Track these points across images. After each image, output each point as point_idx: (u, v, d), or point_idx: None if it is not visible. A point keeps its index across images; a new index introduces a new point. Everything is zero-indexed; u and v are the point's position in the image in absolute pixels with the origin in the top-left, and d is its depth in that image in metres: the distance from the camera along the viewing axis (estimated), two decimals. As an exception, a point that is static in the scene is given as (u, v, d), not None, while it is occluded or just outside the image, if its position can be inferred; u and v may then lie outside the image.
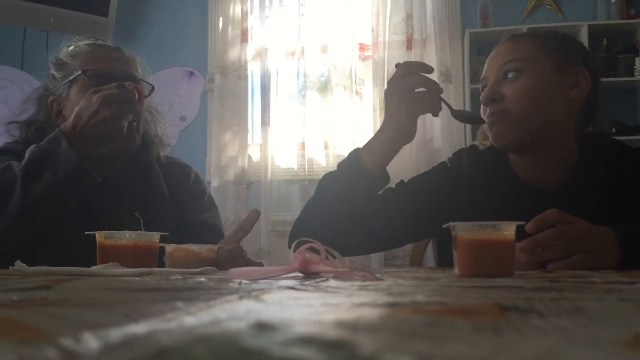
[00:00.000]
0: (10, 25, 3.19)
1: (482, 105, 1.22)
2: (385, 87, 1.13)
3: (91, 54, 1.32)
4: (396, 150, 1.15)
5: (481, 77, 1.25)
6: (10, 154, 1.26)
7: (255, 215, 1.20)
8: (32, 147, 1.15)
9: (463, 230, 0.81)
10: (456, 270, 0.82)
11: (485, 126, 1.21)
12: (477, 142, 2.29)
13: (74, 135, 1.14)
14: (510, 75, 1.18)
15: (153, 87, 1.37)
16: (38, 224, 1.14)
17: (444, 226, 0.85)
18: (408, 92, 1.09)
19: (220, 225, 1.43)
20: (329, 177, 1.22)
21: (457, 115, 1.16)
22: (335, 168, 1.23)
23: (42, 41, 3.06)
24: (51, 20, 3.05)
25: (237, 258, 1.12)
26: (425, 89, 1.09)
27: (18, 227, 1.10)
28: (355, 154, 1.18)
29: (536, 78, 1.16)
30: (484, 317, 0.30)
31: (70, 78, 1.29)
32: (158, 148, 1.41)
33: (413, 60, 3.02)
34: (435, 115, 1.12)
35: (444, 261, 1.35)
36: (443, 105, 1.12)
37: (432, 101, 1.10)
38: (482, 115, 1.21)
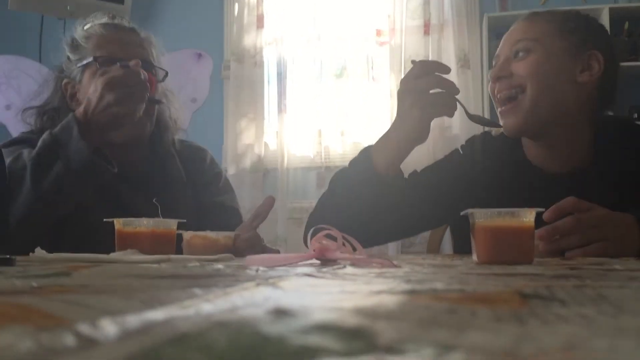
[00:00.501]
0: (28, 14, 3.21)
1: (489, 83, 1.21)
2: (398, 85, 1.09)
3: (104, 37, 1.30)
4: (408, 151, 1.12)
5: (494, 55, 1.23)
6: (23, 143, 1.26)
7: (270, 202, 1.19)
8: (45, 134, 1.13)
9: (481, 217, 0.80)
10: (474, 258, 0.81)
11: (498, 111, 1.19)
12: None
13: (86, 122, 1.12)
14: (520, 54, 1.16)
15: (167, 73, 1.37)
16: (52, 214, 1.13)
17: (461, 213, 0.84)
18: (422, 94, 1.04)
19: (238, 208, 1.44)
20: (340, 175, 1.20)
21: (473, 118, 1.13)
22: (351, 155, 1.22)
23: (60, 29, 3.08)
24: (68, 7, 3.06)
25: (254, 245, 1.12)
26: (440, 90, 1.05)
27: (32, 218, 1.09)
28: (367, 152, 1.15)
29: (545, 58, 1.15)
30: (505, 305, 0.30)
31: (83, 63, 1.29)
32: (173, 132, 1.41)
33: (430, 46, 2.99)
34: (450, 116, 1.09)
35: (461, 248, 1.34)
36: (458, 105, 1.08)
37: (448, 104, 1.05)
38: (493, 97, 1.20)
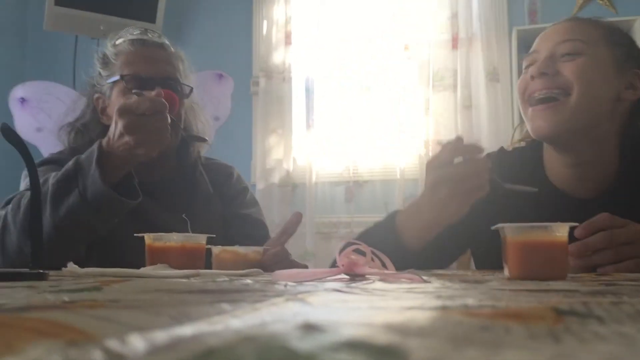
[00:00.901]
0: (62, 35, 3.29)
1: (520, 80, 1.12)
2: (426, 171, 0.99)
3: (132, 54, 1.31)
4: (438, 231, 1.02)
5: (529, 52, 1.13)
6: (53, 164, 1.26)
7: (298, 218, 1.19)
8: (72, 160, 1.10)
9: (513, 232, 0.79)
10: (506, 273, 0.80)
11: (530, 111, 1.10)
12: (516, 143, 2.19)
13: (108, 150, 1.07)
14: (567, 56, 1.07)
15: (192, 89, 1.37)
16: (71, 243, 1.09)
17: (492, 227, 0.83)
18: (458, 183, 0.94)
19: (264, 220, 1.45)
20: (364, 237, 1.12)
21: (508, 187, 1.01)
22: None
23: (93, 49, 3.14)
24: (101, 27, 3.13)
25: (281, 260, 1.12)
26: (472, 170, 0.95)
27: (54, 245, 1.03)
28: (392, 222, 1.06)
29: (595, 63, 1.06)
30: (540, 322, 0.29)
31: (112, 80, 1.30)
32: (199, 145, 1.42)
33: (458, 60, 2.97)
34: (484, 194, 0.97)
35: (483, 266, 1.29)
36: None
37: (483, 185, 0.95)
38: (521, 95, 1.11)
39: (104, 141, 1.08)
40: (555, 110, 1.06)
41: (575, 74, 1.05)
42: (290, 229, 1.18)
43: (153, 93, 1.06)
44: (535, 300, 0.43)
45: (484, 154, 0.98)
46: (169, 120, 1.08)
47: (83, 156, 1.10)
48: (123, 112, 1.03)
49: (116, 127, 1.04)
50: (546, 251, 0.77)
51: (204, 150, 1.47)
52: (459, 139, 0.96)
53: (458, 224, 1.06)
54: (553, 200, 1.14)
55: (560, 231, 0.78)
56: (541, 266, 0.76)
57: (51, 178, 1.10)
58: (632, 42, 1.15)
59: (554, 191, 1.15)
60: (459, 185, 0.94)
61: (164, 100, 1.05)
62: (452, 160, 0.95)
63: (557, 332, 0.26)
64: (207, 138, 1.35)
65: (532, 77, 1.08)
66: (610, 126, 1.11)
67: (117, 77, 1.29)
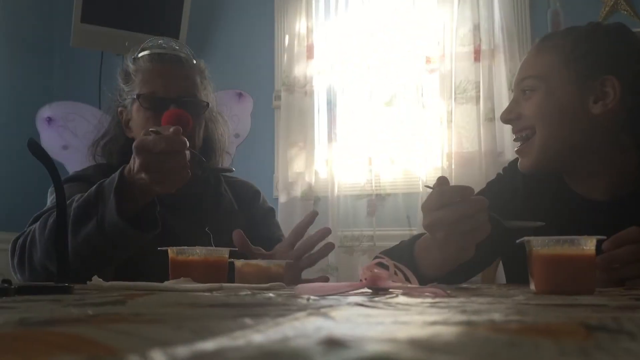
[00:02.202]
0: (88, 51, 3.35)
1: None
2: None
3: (148, 73, 1.33)
4: (452, 267, 1.01)
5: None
6: (78, 181, 1.27)
7: (311, 219, 1.21)
8: (97, 184, 1.09)
9: (538, 245, 0.78)
10: (532, 287, 0.78)
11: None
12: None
13: (129, 180, 1.04)
14: (527, 92, 1.13)
15: (207, 104, 1.38)
16: (91, 269, 1.04)
17: (517, 241, 0.81)
18: (452, 225, 0.91)
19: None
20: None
21: (511, 226, 0.97)
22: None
23: (118, 64, 3.20)
24: (126, 43, 3.18)
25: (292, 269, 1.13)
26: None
27: (75, 267, 0.98)
28: (410, 254, 1.04)
29: (549, 96, 1.10)
30: (569, 338, 0.28)
31: (132, 97, 1.33)
32: (220, 155, 1.43)
33: (481, 72, 2.95)
34: (487, 234, 0.93)
35: (513, 279, 1.28)
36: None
37: (482, 225, 0.91)
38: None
39: (126, 169, 1.06)
40: (528, 149, 1.12)
41: (533, 113, 1.11)
42: (299, 229, 1.19)
43: (171, 130, 1.01)
44: (563, 315, 0.42)
45: (476, 193, 0.95)
46: (189, 157, 1.04)
47: (106, 182, 1.08)
48: (139, 150, 1.00)
49: (134, 161, 1.02)
50: (573, 265, 0.75)
51: (225, 161, 1.48)
52: (443, 182, 0.93)
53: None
54: (572, 204, 1.15)
55: (588, 244, 0.76)
56: (568, 280, 0.75)
57: (75, 201, 1.09)
58: (606, 45, 1.11)
59: (572, 195, 1.16)
60: (454, 228, 0.91)
61: (182, 138, 1.01)
62: (442, 205, 0.91)
63: (587, 348, 0.25)
64: (232, 168, 1.32)
65: (503, 122, 1.17)
66: (602, 137, 1.09)
67: (133, 97, 1.32)
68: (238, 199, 1.42)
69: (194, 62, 1.39)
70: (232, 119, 1.44)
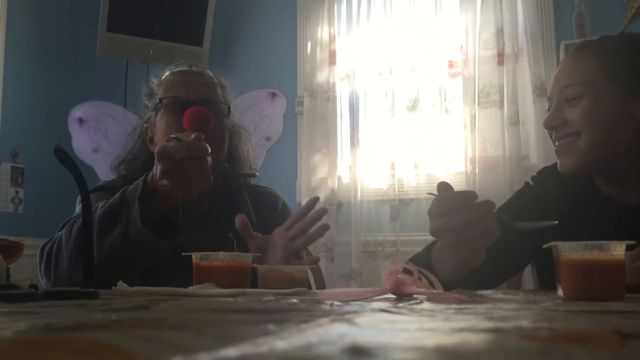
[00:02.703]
0: (114, 60, 3.40)
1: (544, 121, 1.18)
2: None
3: (171, 82, 1.36)
4: (466, 271, 0.98)
5: (547, 95, 1.20)
6: (105, 190, 1.28)
7: (313, 202, 1.20)
8: (120, 191, 1.10)
9: (567, 251, 0.76)
10: (560, 293, 0.77)
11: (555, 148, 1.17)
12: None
13: (152, 187, 1.05)
14: (571, 100, 1.12)
15: (229, 107, 1.39)
16: (116, 275, 1.02)
17: (544, 246, 0.80)
18: (457, 231, 0.90)
19: (308, 250, 1.45)
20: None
21: (522, 228, 0.97)
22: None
23: (143, 73, 3.24)
24: (151, 52, 3.22)
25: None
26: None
27: (104, 273, 0.98)
28: (428, 258, 1.03)
29: (596, 102, 1.10)
30: (602, 346, 0.27)
31: (155, 107, 1.35)
32: (244, 168, 1.43)
33: (505, 75, 2.92)
34: (496, 237, 0.92)
35: (546, 285, 1.27)
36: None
37: (490, 229, 0.90)
38: (548, 134, 1.16)
39: (149, 176, 1.06)
40: (572, 149, 1.12)
41: (580, 119, 1.11)
42: (300, 214, 1.18)
43: (192, 137, 1.01)
44: (594, 322, 0.41)
45: (484, 199, 0.91)
46: (210, 163, 1.04)
47: (130, 189, 1.09)
48: (161, 156, 1.00)
49: (156, 168, 1.03)
50: (603, 270, 0.74)
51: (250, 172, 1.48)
52: (445, 189, 0.92)
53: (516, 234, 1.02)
54: (603, 208, 1.14)
55: (617, 249, 0.75)
56: (597, 286, 0.73)
57: (99, 208, 1.10)
58: None
59: (604, 199, 1.16)
60: (461, 233, 0.90)
61: (204, 144, 1.00)
62: (445, 211, 0.90)
63: (622, 357, 0.25)
64: (256, 172, 1.31)
65: (548, 129, 1.16)
66: None
67: (157, 102, 1.34)
68: (257, 212, 1.42)
69: (215, 77, 1.41)
70: (263, 120, 1.43)
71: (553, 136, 1.17)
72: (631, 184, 1.14)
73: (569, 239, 0.76)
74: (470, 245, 0.92)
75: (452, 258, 0.96)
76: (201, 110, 1.22)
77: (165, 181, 1.01)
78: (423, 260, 1.05)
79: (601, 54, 1.13)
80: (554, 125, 1.15)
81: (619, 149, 1.11)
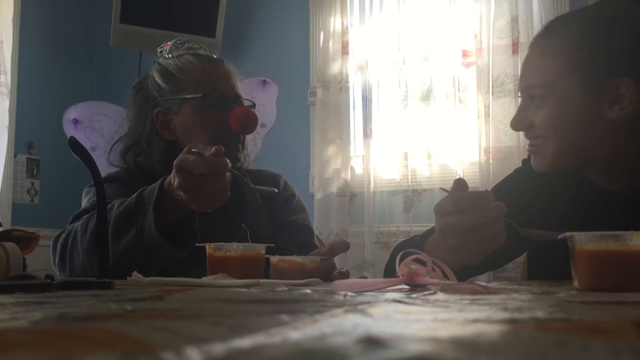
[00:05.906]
0: (127, 54, 3.41)
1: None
2: (435, 214, 0.91)
3: (202, 71, 1.32)
4: (458, 268, 0.94)
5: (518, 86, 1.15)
6: (112, 182, 1.27)
7: (345, 246, 1.18)
8: (137, 192, 1.08)
9: (582, 241, 0.75)
10: (575, 284, 0.76)
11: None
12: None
13: (168, 192, 1.03)
14: (536, 101, 1.05)
15: (254, 104, 1.39)
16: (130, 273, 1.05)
17: (559, 237, 0.79)
18: (465, 233, 0.87)
19: (311, 225, 1.45)
20: (400, 248, 1.07)
21: (528, 234, 0.92)
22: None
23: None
24: (163, 43, 3.23)
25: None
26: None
27: (118, 273, 0.96)
28: (421, 247, 1.00)
29: (561, 105, 1.03)
30: (620, 337, 0.27)
31: (187, 97, 1.29)
32: (247, 157, 1.44)
33: (519, 65, 2.90)
34: (501, 243, 0.90)
35: (536, 274, 1.25)
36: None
37: (497, 235, 0.87)
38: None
39: (166, 182, 1.04)
40: (542, 154, 1.07)
41: (545, 124, 1.04)
42: (336, 250, 1.17)
43: (212, 150, 0.98)
44: (611, 313, 0.40)
45: (494, 199, 0.88)
46: (229, 178, 1.03)
47: (146, 191, 1.07)
48: (179, 169, 0.99)
49: (174, 179, 1.01)
50: (620, 261, 0.73)
51: (253, 160, 1.49)
52: (460, 187, 0.88)
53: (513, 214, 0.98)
54: (594, 196, 1.10)
55: (634, 240, 0.74)
56: (614, 277, 0.73)
57: (115, 208, 1.09)
58: (615, 45, 1.03)
59: (593, 187, 1.11)
60: (467, 236, 0.87)
61: (224, 160, 0.99)
62: (456, 210, 0.86)
63: (640, 349, 0.24)
64: (275, 189, 1.28)
65: (515, 130, 1.11)
66: (621, 137, 1.03)
67: (197, 95, 1.28)
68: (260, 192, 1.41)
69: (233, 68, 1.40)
70: (257, 108, 1.41)
71: (525, 136, 1.12)
72: (617, 172, 1.08)
73: (556, 223, 0.75)
74: (472, 248, 0.89)
75: (450, 258, 0.90)
76: (249, 112, 1.22)
77: (182, 193, 1.00)
78: (415, 248, 1.02)
79: (567, 46, 1.04)
80: (520, 128, 1.09)
81: (591, 149, 1.04)
